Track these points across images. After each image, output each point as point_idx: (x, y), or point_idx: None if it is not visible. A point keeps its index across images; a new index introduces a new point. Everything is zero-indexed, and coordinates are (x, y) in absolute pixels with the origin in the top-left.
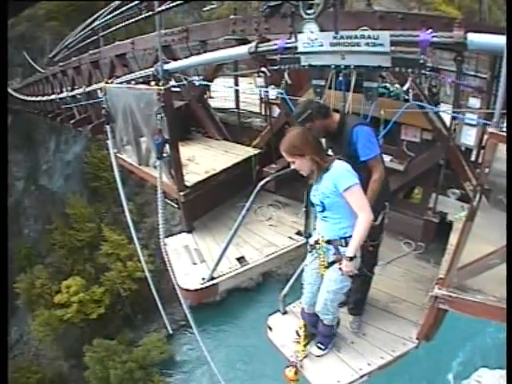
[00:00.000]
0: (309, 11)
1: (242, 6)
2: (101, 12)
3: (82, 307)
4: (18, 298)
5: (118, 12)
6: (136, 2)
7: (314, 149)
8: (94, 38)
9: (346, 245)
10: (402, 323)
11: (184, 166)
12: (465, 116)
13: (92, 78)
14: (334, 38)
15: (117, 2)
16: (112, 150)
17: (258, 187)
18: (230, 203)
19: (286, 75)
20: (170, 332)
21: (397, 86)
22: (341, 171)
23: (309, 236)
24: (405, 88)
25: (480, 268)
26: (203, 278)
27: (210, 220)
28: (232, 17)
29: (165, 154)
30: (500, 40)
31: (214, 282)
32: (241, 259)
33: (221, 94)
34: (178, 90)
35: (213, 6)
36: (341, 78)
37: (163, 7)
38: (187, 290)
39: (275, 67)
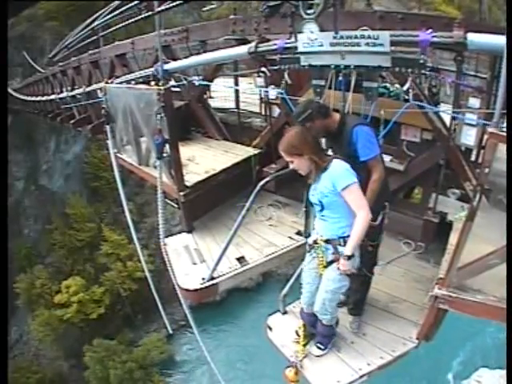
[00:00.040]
0: (309, 11)
1: (242, 6)
2: (101, 12)
3: (82, 307)
4: (18, 298)
5: (117, 12)
6: (136, 2)
7: (313, 148)
8: (94, 38)
9: (345, 244)
10: (402, 323)
11: (184, 165)
12: (465, 116)
13: (92, 78)
14: (334, 37)
15: (117, 2)
16: (112, 150)
17: (258, 187)
18: (230, 203)
19: (285, 75)
20: (170, 332)
21: (397, 85)
22: (339, 170)
23: (309, 236)
24: (405, 88)
25: (480, 268)
26: (203, 278)
27: (210, 220)
28: (232, 17)
29: (165, 154)
30: (500, 40)
31: (214, 281)
32: (241, 259)
33: (221, 94)
34: (178, 89)
35: (212, 6)
36: (341, 78)
37: (163, 7)
38: (187, 290)
39: (275, 67)
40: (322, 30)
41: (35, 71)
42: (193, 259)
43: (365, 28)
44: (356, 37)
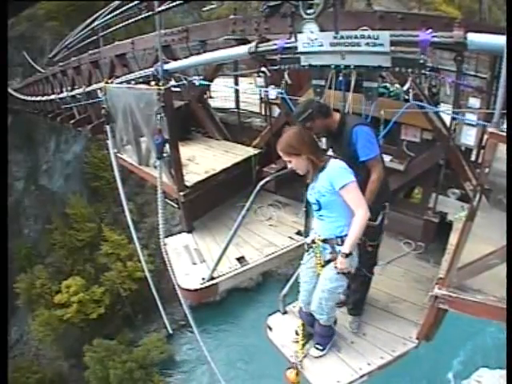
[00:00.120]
0: (309, 11)
1: (242, 5)
2: (101, 12)
3: (82, 307)
4: (18, 298)
5: (117, 12)
6: (136, 2)
7: (310, 148)
8: (94, 38)
9: (343, 243)
10: (402, 323)
11: (184, 165)
12: (465, 116)
13: (92, 78)
14: (334, 37)
15: (116, 2)
16: (112, 149)
17: (257, 187)
18: (230, 203)
19: (285, 75)
20: (170, 332)
21: (397, 85)
22: (336, 169)
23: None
24: (405, 88)
25: (480, 268)
26: (203, 278)
27: (209, 220)
28: (232, 17)
29: (165, 154)
30: (500, 40)
31: (214, 281)
32: (241, 259)
33: (221, 93)
34: (178, 89)
35: (212, 6)
36: (341, 78)
37: (163, 7)
38: (187, 290)
39: (275, 67)
40: (322, 30)
41: (35, 71)
42: (193, 259)
43: (365, 28)
44: (356, 37)
